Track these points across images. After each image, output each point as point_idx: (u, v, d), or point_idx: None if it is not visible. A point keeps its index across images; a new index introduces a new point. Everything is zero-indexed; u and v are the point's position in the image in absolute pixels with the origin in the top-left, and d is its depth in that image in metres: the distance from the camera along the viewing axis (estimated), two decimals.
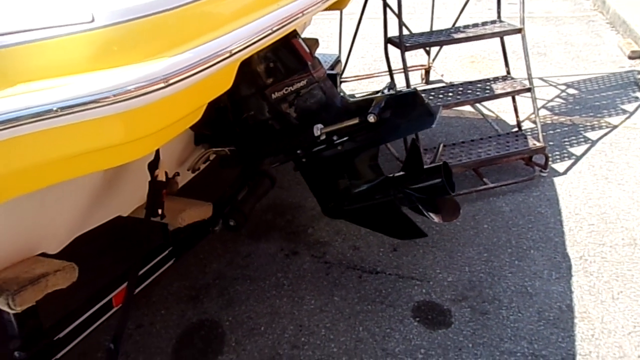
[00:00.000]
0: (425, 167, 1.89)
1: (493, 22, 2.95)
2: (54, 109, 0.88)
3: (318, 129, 1.79)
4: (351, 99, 1.97)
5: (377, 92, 1.97)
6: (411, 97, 1.84)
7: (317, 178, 2.00)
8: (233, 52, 1.11)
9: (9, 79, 0.92)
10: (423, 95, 2.75)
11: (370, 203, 1.94)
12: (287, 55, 1.79)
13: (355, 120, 1.77)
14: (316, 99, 1.84)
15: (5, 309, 1.22)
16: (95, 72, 0.97)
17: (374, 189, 1.93)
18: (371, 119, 1.74)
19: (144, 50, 1.00)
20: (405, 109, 1.82)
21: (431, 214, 1.85)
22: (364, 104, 1.85)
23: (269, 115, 1.86)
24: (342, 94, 3.56)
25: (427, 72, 3.86)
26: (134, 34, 1.01)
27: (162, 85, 0.95)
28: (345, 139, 1.83)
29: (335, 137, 1.84)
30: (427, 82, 3.87)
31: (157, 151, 1.56)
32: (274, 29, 1.26)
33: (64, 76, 0.95)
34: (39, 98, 0.89)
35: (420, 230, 2.02)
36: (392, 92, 1.93)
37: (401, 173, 1.94)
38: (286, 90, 1.80)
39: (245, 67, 1.74)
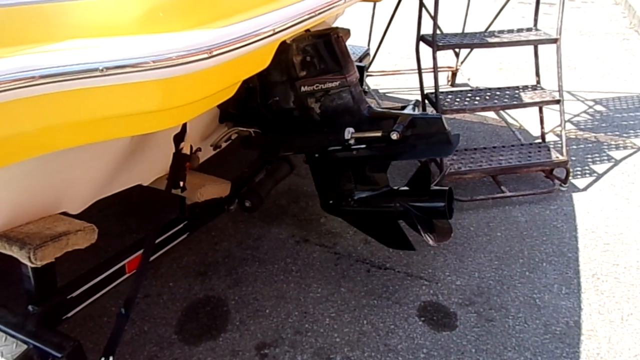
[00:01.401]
0: (431, 188, 1.94)
1: (529, 29, 2.90)
2: (100, 68, 0.88)
3: (349, 133, 1.84)
4: (377, 109, 2.01)
5: (404, 106, 2.00)
6: (435, 123, 1.87)
7: (325, 175, 2.04)
8: (276, 30, 1.10)
9: (59, 33, 0.93)
10: (450, 97, 2.75)
11: (369, 209, 2.00)
12: (327, 53, 1.82)
13: (378, 134, 1.83)
14: (343, 101, 1.88)
15: (26, 262, 1.24)
16: (138, 36, 0.97)
17: (377, 197, 1.99)
18: (394, 136, 1.79)
19: (189, 20, 1.00)
20: (426, 133, 1.86)
21: (427, 234, 1.91)
22: (388, 118, 1.89)
23: (293, 106, 1.90)
24: (366, 87, 3.55)
25: (454, 74, 3.83)
26: (181, 3, 1.01)
27: (206, 56, 0.95)
28: (362, 146, 1.88)
29: (353, 142, 1.88)
30: (453, 84, 3.83)
31: (185, 124, 1.57)
32: (317, 11, 1.25)
33: (109, 37, 0.96)
34: (87, 55, 0.89)
35: (411, 244, 2.07)
36: (417, 110, 1.96)
37: (405, 188, 1.99)
38: (316, 86, 1.84)
39: (282, 55, 1.77)
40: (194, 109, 1.16)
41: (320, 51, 1.80)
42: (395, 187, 2.00)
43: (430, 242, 1.93)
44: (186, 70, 0.94)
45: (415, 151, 1.89)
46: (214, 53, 0.95)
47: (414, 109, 1.93)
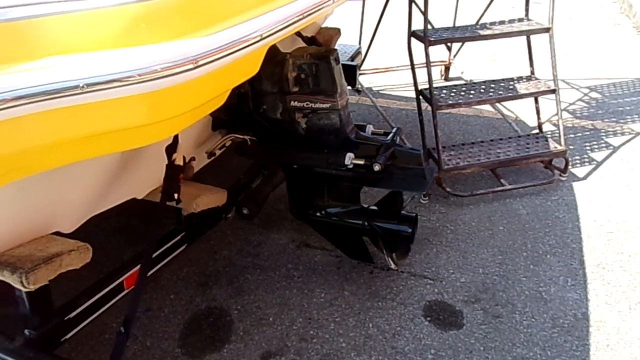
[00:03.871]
0: (401, 212, 2.02)
1: (520, 20, 2.87)
2: (81, 85, 0.85)
3: (349, 158, 1.88)
4: (363, 134, 2.03)
5: (387, 133, 2.03)
6: (414, 157, 1.92)
7: (299, 185, 2.08)
8: (264, 36, 1.07)
9: (36, 51, 0.89)
10: (444, 92, 2.72)
11: (337, 222, 2.06)
12: (322, 75, 1.82)
13: (362, 162, 1.88)
14: (331, 122, 1.90)
15: (19, 286, 1.21)
16: (121, 49, 0.94)
17: (347, 213, 2.04)
18: (376, 167, 1.85)
19: (173, 30, 0.96)
20: (404, 166, 1.91)
21: (389, 257, 1.98)
22: (371, 145, 1.93)
23: (280, 117, 1.92)
24: (359, 86, 3.52)
25: (447, 68, 3.80)
26: (164, 12, 0.97)
27: (191, 66, 0.91)
28: (342, 168, 1.91)
29: (352, 167, 1.92)
30: (447, 78, 3.80)
31: (176, 135, 1.53)
32: (306, 14, 1.22)
33: (90, 52, 0.92)
34: (67, 73, 0.85)
35: (370, 257, 2.14)
36: (398, 138, 2.02)
37: (375, 208, 2.06)
38: (306, 104, 1.87)
39: (277, 68, 1.76)
40: (183, 120, 1.13)
41: (317, 72, 1.81)
42: (366, 206, 2.07)
43: (392, 265, 2.01)
44: (172, 82, 0.91)
45: (391, 181, 1.93)
46: (200, 63, 0.92)
47: (395, 137, 1.96)
